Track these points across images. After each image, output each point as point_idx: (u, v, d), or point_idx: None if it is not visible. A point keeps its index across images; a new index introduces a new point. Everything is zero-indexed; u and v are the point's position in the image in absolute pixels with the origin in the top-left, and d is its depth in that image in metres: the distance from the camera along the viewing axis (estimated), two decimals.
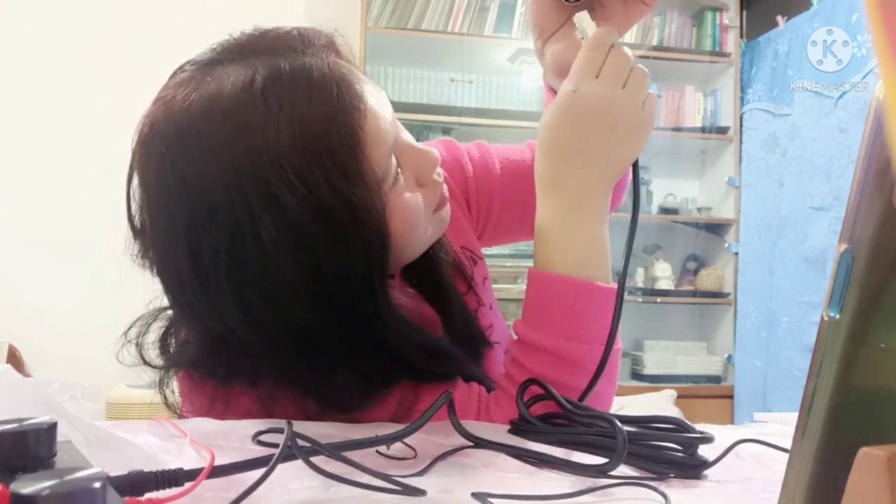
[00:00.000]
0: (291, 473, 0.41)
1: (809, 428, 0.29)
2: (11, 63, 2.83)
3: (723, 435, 0.54)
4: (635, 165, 0.67)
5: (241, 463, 0.38)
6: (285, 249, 0.52)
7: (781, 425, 0.68)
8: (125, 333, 0.61)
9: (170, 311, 0.62)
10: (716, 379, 3.19)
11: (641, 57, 3.00)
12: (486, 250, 0.86)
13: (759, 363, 2.99)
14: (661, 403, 2.85)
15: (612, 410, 0.59)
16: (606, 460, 0.47)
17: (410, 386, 0.60)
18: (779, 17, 3.00)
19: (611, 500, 0.42)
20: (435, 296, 0.70)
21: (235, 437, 0.51)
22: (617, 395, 0.68)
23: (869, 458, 0.25)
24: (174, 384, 0.64)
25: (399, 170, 0.60)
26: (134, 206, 0.57)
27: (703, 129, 3.26)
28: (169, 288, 0.57)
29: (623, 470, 0.48)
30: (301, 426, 0.49)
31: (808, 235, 2.74)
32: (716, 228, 3.30)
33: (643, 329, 3.20)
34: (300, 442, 0.41)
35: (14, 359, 2.72)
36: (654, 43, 3.19)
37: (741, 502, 0.44)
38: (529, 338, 0.63)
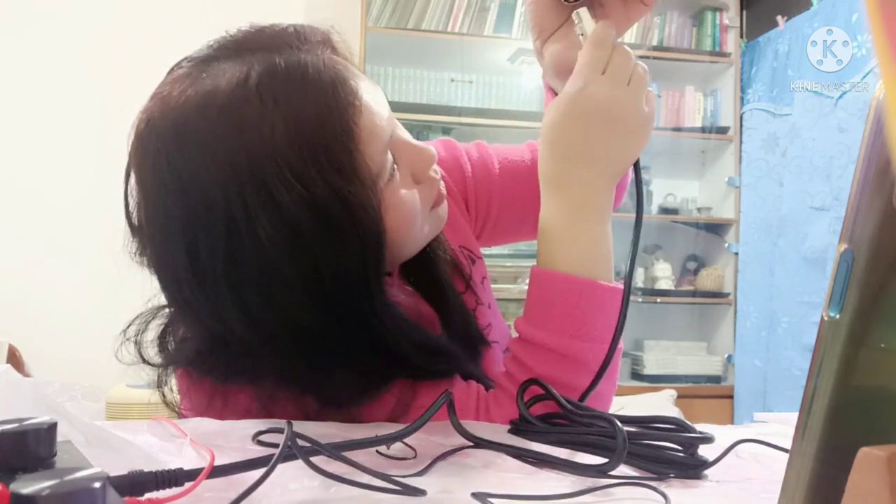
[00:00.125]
0: (291, 473, 0.41)
1: (809, 428, 0.29)
2: (11, 63, 2.83)
3: (723, 435, 0.54)
4: (637, 164, 0.67)
5: (241, 463, 0.38)
6: (282, 246, 0.52)
7: (781, 425, 0.68)
8: (124, 331, 0.61)
9: (168, 309, 0.62)
10: (716, 379, 3.19)
11: (641, 57, 2.99)
12: (485, 250, 0.86)
13: (759, 363, 2.99)
14: (661, 403, 2.85)
15: (612, 410, 0.59)
16: (606, 460, 0.47)
17: (409, 383, 0.60)
18: (779, 17, 3.00)
19: (611, 500, 0.42)
20: (433, 294, 0.70)
21: (235, 437, 0.51)
22: (617, 395, 0.68)
23: (869, 458, 0.25)
24: (173, 382, 0.63)
25: (395, 166, 0.60)
26: (132, 204, 0.57)
27: (703, 129, 3.26)
28: (166, 285, 0.57)
29: (623, 470, 0.48)
30: (301, 426, 0.49)
31: (808, 235, 2.74)
32: (716, 228, 3.30)
33: (643, 329, 3.20)
34: (300, 442, 0.41)
35: (14, 359, 2.72)
36: (654, 43, 3.19)
37: (741, 502, 0.44)
38: (531, 336, 0.63)
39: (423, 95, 3.06)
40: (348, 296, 0.55)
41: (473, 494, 0.40)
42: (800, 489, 0.29)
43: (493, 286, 0.84)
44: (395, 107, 0.66)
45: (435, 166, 0.64)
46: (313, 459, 0.40)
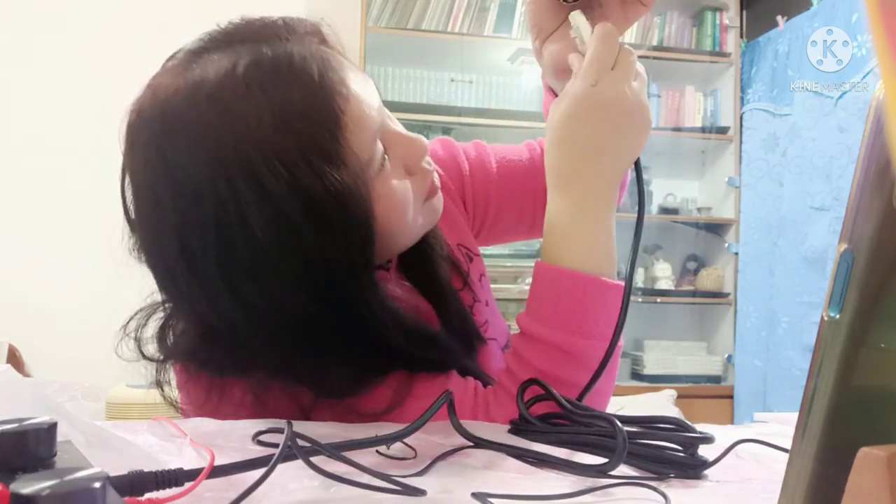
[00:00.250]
0: (291, 473, 0.41)
1: (809, 428, 0.29)
2: (11, 63, 2.83)
3: (723, 435, 0.54)
4: (637, 162, 0.67)
5: (241, 463, 0.38)
6: (271, 233, 0.52)
7: (781, 425, 0.68)
8: (124, 327, 0.62)
9: (167, 305, 0.62)
10: (716, 379, 3.19)
11: (641, 57, 2.99)
12: (485, 250, 0.86)
13: (759, 363, 2.99)
14: (661, 403, 2.85)
15: (612, 410, 0.59)
16: (606, 460, 0.47)
17: (405, 376, 0.60)
18: (779, 17, 3.00)
19: (611, 500, 0.42)
20: (430, 290, 0.70)
21: (235, 437, 0.51)
22: (617, 395, 0.68)
23: (869, 458, 0.25)
24: (173, 380, 0.64)
25: (386, 156, 0.60)
26: (129, 198, 0.58)
27: (703, 129, 3.26)
28: (160, 275, 0.57)
29: (623, 470, 0.48)
30: (301, 426, 0.49)
31: (808, 235, 2.74)
32: (716, 228, 3.30)
33: (643, 329, 3.20)
34: (300, 442, 0.41)
35: (14, 359, 2.72)
36: (654, 43, 3.19)
37: (741, 502, 0.44)
38: (533, 331, 0.63)
39: (423, 95, 3.06)
40: (339, 284, 0.56)
41: (473, 494, 0.40)
42: (800, 489, 0.29)
43: (493, 286, 0.84)
44: (395, 107, 0.67)
45: (428, 158, 0.64)
46: (313, 459, 0.40)
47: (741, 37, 3.21)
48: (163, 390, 0.63)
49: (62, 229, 2.75)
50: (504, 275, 3.01)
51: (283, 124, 0.52)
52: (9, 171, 2.79)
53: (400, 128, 0.63)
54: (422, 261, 0.70)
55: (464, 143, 0.86)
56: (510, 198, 0.84)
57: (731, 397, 3.12)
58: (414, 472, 0.45)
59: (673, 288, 3.23)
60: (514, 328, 0.68)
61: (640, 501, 0.42)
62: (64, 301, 2.73)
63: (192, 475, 0.35)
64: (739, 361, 3.10)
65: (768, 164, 3.03)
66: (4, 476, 0.26)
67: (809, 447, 0.29)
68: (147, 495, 0.33)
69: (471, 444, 0.51)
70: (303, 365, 0.57)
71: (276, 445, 0.41)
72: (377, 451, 0.49)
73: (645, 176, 3.28)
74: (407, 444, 0.50)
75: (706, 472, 0.49)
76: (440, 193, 0.67)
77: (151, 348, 0.62)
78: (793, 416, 0.32)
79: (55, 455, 0.29)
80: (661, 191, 3.31)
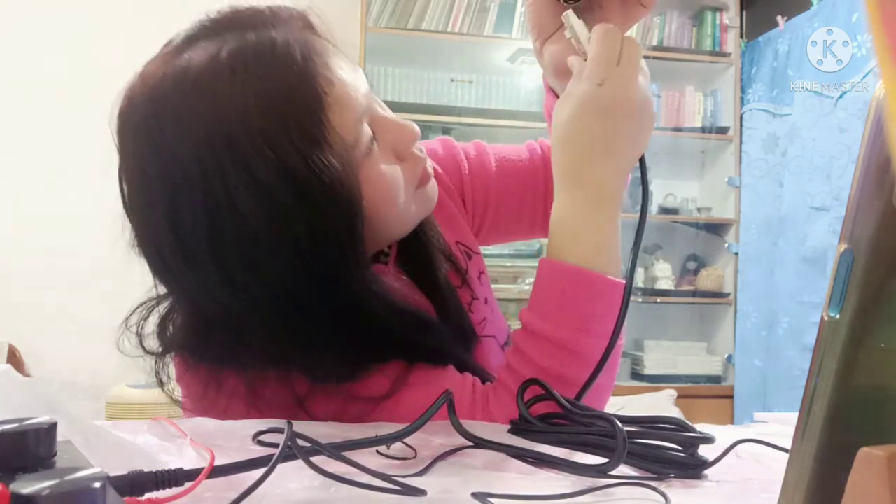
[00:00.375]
0: (291, 473, 0.41)
1: (809, 428, 0.29)
2: (9, 63, 2.83)
3: (723, 435, 0.54)
4: (642, 158, 0.67)
5: (241, 463, 0.38)
6: (259, 213, 0.53)
7: (781, 425, 0.68)
8: (126, 320, 0.62)
9: (167, 301, 0.63)
10: (716, 379, 3.19)
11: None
12: (485, 250, 0.86)
13: (759, 363, 2.99)
14: (661, 403, 2.85)
15: (612, 410, 0.59)
16: (606, 460, 0.47)
17: (403, 366, 0.61)
18: (779, 17, 3.00)
19: (611, 500, 0.42)
20: (427, 284, 0.70)
21: (235, 437, 0.51)
22: (617, 395, 0.68)
23: (869, 458, 0.25)
24: (172, 372, 0.64)
25: (374, 141, 0.60)
26: (126, 191, 0.59)
27: (703, 129, 3.26)
28: (151, 259, 0.58)
29: (623, 470, 0.48)
30: (301, 426, 0.49)
31: (808, 235, 2.74)
32: (716, 228, 3.30)
33: (643, 329, 3.20)
34: (300, 442, 0.41)
35: (14, 359, 2.72)
36: (654, 43, 3.19)
37: (741, 502, 0.44)
38: (537, 327, 0.62)
39: (423, 95, 3.06)
40: (329, 265, 0.56)
41: (473, 494, 0.40)
42: (800, 489, 0.29)
43: (493, 286, 0.84)
44: (395, 107, 0.67)
45: (421, 146, 0.65)
46: (313, 459, 0.40)
47: (741, 37, 3.21)
48: (162, 383, 0.63)
49: (62, 229, 2.75)
50: (504, 275, 3.01)
51: (266, 106, 0.53)
52: (8, 170, 2.79)
53: (389, 113, 0.64)
54: (419, 254, 0.71)
55: (464, 143, 0.86)
56: (509, 196, 0.84)
57: (731, 397, 3.12)
58: (414, 472, 0.45)
59: (673, 288, 3.23)
60: (515, 327, 0.67)
61: (640, 501, 0.42)
62: (64, 301, 2.73)
63: (192, 475, 0.35)
64: (739, 361, 3.10)
65: (768, 164, 3.03)
66: (4, 476, 0.26)
67: (809, 447, 0.29)
68: (147, 495, 0.33)
69: (471, 444, 0.51)
70: (297, 349, 0.58)
71: (276, 445, 0.41)
72: (377, 451, 0.49)
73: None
74: (407, 444, 0.50)
75: (706, 472, 0.49)
76: (434, 181, 0.67)
77: (152, 343, 0.62)
78: (793, 416, 0.32)
79: (55, 455, 0.29)
80: (661, 191, 3.31)
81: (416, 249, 0.70)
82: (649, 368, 3.12)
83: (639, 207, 0.67)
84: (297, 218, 0.54)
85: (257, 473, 0.37)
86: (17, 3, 2.85)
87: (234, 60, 0.54)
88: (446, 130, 3.03)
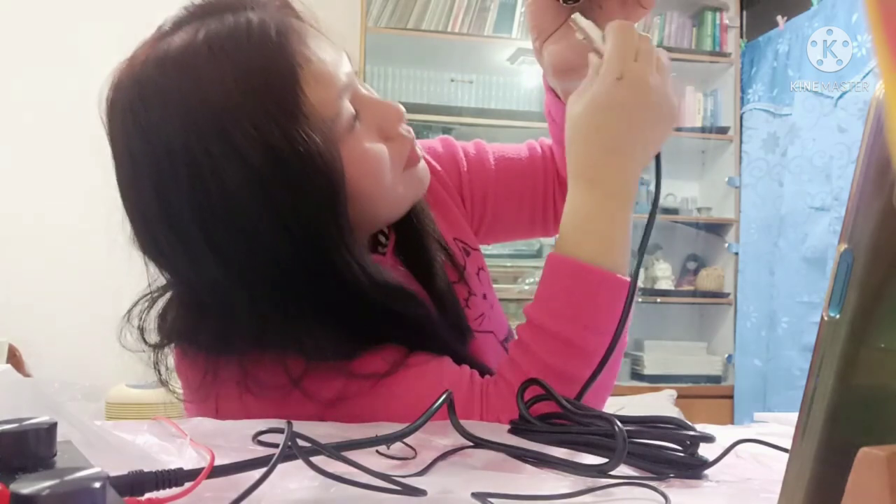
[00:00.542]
0: (291, 473, 0.41)
1: (809, 428, 0.29)
2: (10, 62, 2.83)
3: (723, 435, 0.54)
4: (658, 156, 0.67)
5: (241, 463, 0.38)
6: (243, 186, 0.55)
7: (781, 425, 0.68)
8: (128, 313, 0.63)
9: (168, 292, 0.64)
10: (716, 379, 3.19)
11: None
12: (486, 250, 0.86)
13: (759, 363, 2.99)
14: (661, 403, 2.85)
15: (612, 410, 0.59)
16: (606, 460, 0.47)
17: (401, 351, 0.62)
18: (779, 17, 3.00)
19: (611, 500, 0.42)
20: (423, 274, 0.71)
21: (235, 437, 0.51)
22: (617, 395, 0.68)
23: (869, 458, 0.25)
24: (170, 361, 0.65)
25: (358, 120, 0.61)
26: (116, 174, 0.60)
27: (703, 129, 3.26)
28: (142, 239, 0.60)
29: (623, 470, 0.48)
30: (301, 426, 0.49)
31: (808, 235, 2.74)
32: (716, 228, 3.30)
33: (643, 329, 3.20)
34: (300, 442, 0.41)
35: (14, 359, 2.72)
36: (654, 43, 3.18)
37: (741, 502, 0.44)
38: (543, 322, 0.62)
39: (423, 95, 3.07)
40: (312, 238, 0.57)
41: (473, 494, 0.40)
42: (800, 489, 0.29)
43: (493, 286, 0.84)
44: None
45: (408, 127, 0.66)
46: (313, 459, 0.40)
47: (741, 37, 3.21)
48: (160, 374, 0.64)
49: (62, 229, 2.75)
50: (504, 275, 3.01)
51: (243, 81, 0.55)
52: (8, 170, 2.79)
53: (375, 95, 0.65)
54: (415, 243, 0.71)
55: (464, 142, 0.87)
56: (509, 194, 0.84)
57: (731, 397, 3.12)
58: (414, 472, 0.45)
59: (673, 288, 3.23)
60: (515, 326, 0.67)
61: (640, 501, 0.42)
62: (64, 301, 2.73)
63: (192, 475, 0.35)
64: (739, 361, 3.10)
65: (768, 164, 3.03)
66: (4, 476, 0.26)
67: (809, 447, 0.29)
68: (147, 495, 0.33)
69: (471, 444, 0.51)
70: (288, 325, 0.58)
71: (276, 445, 0.41)
72: (377, 451, 0.49)
73: (645, 175, 3.29)
74: (407, 444, 0.50)
75: (706, 472, 0.49)
76: (424, 164, 0.68)
77: (153, 337, 0.63)
78: (793, 416, 0.32)
79: (55, 455, 0.29)
80: (662, 191, 3.30)
81: (412, 238, 0.71)
82: (649, 368, 3.12)
83: (648, 206, 0.67)
84: (279, 190, 0.56)
85: (257, 473, 0.37)
86: (20, 3, 2.85)
87: (211, 40, 0.56)
88: (446, 130, 3.03)
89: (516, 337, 0.65)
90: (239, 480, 0.37)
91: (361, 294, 0.59)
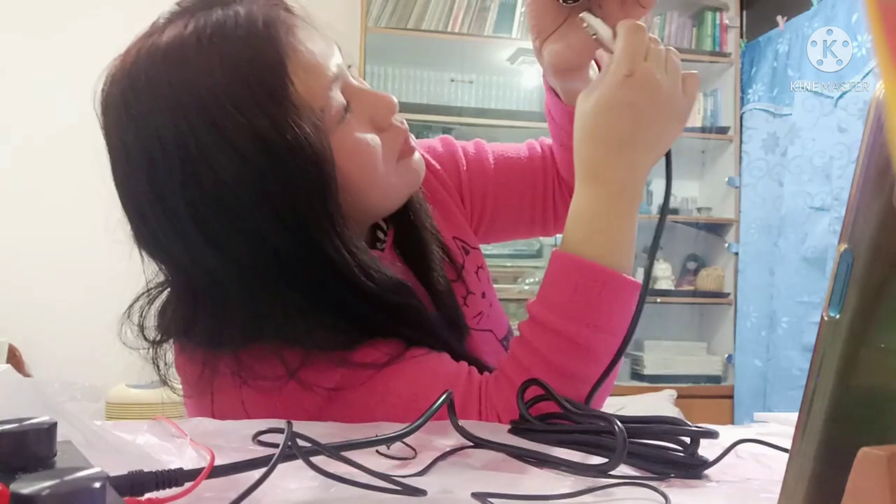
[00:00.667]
0: (291, 473, 0.41)
1: (809, 428, 0.29)
2: (9, 61, 2.83)
3: (723, 435, 0.54)
4: (668, 154, 0.66)
5: (241, 463, 0.38)
6: (232, 172, 0.56)
7: (781, 425, 0.68)
8: (128, 309, 0.63)
9: (167, 288, 0.64)
10: (716, 379, 3.19)
11: None
12: (486, 251, 0.86)
13: (759, 363, 2.99)
14: (661, 403, 2.85)
15: (612, 410, 0.59)
16: (606, 460, 0.47)
17: (399, 345, 0.62)
18: (779, 17, 3.00)
19: (611, 500, 0.42)
20: (421, 270, 0.71)
21: (235, 437, 0.51)
22: (617, 395, 0.68)
23: (869, 458, 0.25)
24: (169, 357, 0.65)
25: (349, 110, 0.62)
26: (111, 166, 0.61)
27: (703, 129, 3.26)
28: (136, 228, 0.60)
29: (623, 470, 0.48)
30: (301, 426, 0.49)
31: (808, 235, 2.74)
32: (716, 228, 3.30)
33: (643, 329, 3.19)
34: (300, 442, 0.41)
35: (14, 359, 2.72)
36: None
37: (741, 502, 0.44)
38: (546, 319, 0.62)
39: (423, 95, 3.07)
40: (303, 225, 0.58)
41: (473, 494, 0.40)
42: (800, 489, 0.29)
43: (493, 286, 0.84)
44: None
45: (402, 118, 0.66)
46: (313, 459, 0.40)
47: (741, 37, 3.21)
48: (159, 369, 0.64)
49: (62, 229, 2.75)
50: (504, 275, 3.01)
51: (231, 70, 0.56)
52: (8, 170, 2.79)
53: (367, 87, 0.65)
54: (412, 239, 0.72)
55: (463, 142, 0.87)
56: (508, 194, 0.85)
57: (731, 397, 3.12)
58: (414, 472, 0.45)
59: (673, 288, 3.23)
60: (515, 326, 0.67)
61: (640, 501, 0.42)
62: (64, 301, 2.73)
63: (192, 475, 0.35)
64: (739, 361, 3.10)
65: (768, 164, 3.03)
66: (4, 476, 0.26)
67: (809, 447, 0.29)
68: (147, 495, 0.33)
69: (471, 444, 0.51)
70: (283, 314, 0.59)
71: (276, 445, 0.41)
72: (377, 451, 0.49)
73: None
74: (407, 444, 0.50)
75: (706, 472, 0.49)
76: (419, 155, 0.68)
77: (153, 334, 0.64)
78: (793, 416, 0.32)
79: (55, 455, 0.29)
80: (661, 191, 3.30)
81: (410, 233, 0.71)
82: (649, 368, 3.12)
83: (650, 208, 0.67)
84: (269, 178, 0.56)
85: (257, 473, 0.37)
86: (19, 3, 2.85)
87: (200, 32, 0.57)
88: (446, 130, 3.03)
89: (517, 334, 0.65)
90: (239, 480, 0.37)
91: (355, 284, 0.59)
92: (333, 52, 0.62)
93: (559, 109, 0.77)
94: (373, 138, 0.63)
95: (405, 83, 3.06)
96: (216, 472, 0.37)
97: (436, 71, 3.08)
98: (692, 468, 0.49)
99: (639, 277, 0.64)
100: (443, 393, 0.53)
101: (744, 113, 3.16)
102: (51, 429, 0.29)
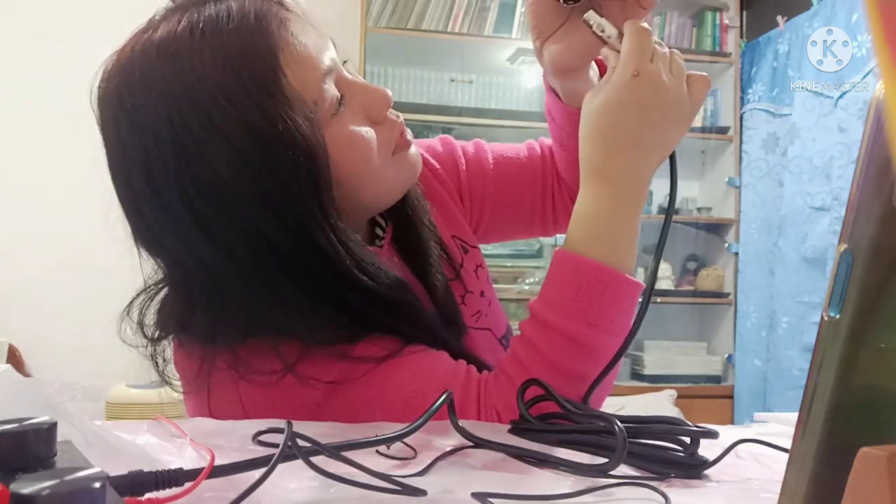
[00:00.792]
0: (291, 473, 0.41)
1: (809, 428, 0.29)
2: (9, 61, 2.83)
3: (723, 435, 0.54)
4: (672, 156, 0.66)
5: (241, 463, 0.38)
6: (226, 164, 0.56)
7: (781, 425, 0.68)
8: (128, 305, 0.64)
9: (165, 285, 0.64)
10: (716, 379, 3.19)
11: None
12: (485, 251, 0.86)
13: (759, 363, 2.99)
14: (661, 403, 2.85)
15: (612, 410, 0.59)
16: (606, 460, 0.47)
17: (397, 341, 0.62)
18: (779, 17, 3.00)
19: (611, 500, 0.42)
20: (419, 266, 0.71)
21: (235, 437, 0.51)
22: (617, 395, 0.68)
23: (869, 458, 0.25)
24: (168, 354, 0.65)
25: (343, 104, 0.62)
26: (108, 161, 0.61)
27: (703, 129, 3.26)
28: (132, 220, 0.60)
29: (623, 470, 0.48)
30: (301, 426, 0.49)
31: (808, 235, 2.74)
32: (716, 228, 3.30)
33: (643, 329, 3.14)
34: (300, 442, 0.41)
35: (14, 359, 2.72)
36: None
37: (741, 502, 0.44)
38: (548, 318, 0.62)
39: (423, 95, 3.06)
40: (297, 217, 0.58)
41: (473, 494, 0.40)
42: (800, 489, 0.29)
43: (493, 285, 0.84)
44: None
45: (397, 112, 0.66)
46: (313, 459, 0.40)
47: (741, 37, 3.21)
48: (157, 366, 0.65)
49: (62, 229, 2.75)
50: (504, 275, 3.01)
51: (223, 62, 0.56)
52: (8, 170, 2.79)
53: (361, 80, 0.65)
54: (410, 235, 0.72)
55: (463, 142, 0.87)
56: (507, 193, 0.85)
57: (731, 397, 3.12)
58: (414, 472, 0.45)
59: (673, 288, 3.23)
60: (514, 325, 0.67)
61: (640, 501, 0.42)
62: (64, 301, 2.73)
63: (192, 475, 0.35)
64: (739, 361, 3.10)
65: (768, 164, 3.03)
66: (4, 476, 0.26)
67: (809, 447, 0.29)
68: (147, 495, 0.33)
69: (471, 444, 0.51)
70: (279, 307, 0.59)
71: (276, 445, 0.41)
72: (377, 451, 0.49)
73: None
74: (407, 444, 0.50)
75: (706, 472, 0.49)
76: (415, 149, 0.68)
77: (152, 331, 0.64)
78: (793, 416, 0.32)
79: (55, 455, 0.29)
80: (661, 191, 3.30)
81: (408, 230, 0.71)
82: (649, 368, 3.12)
83: (650, 208, 0.68)
84: (262, 170, 0.57)
85: (257, 473, 0.37)
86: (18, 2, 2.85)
87: (192, 26, 0.57)
88: (446, 130, 3.03)
89: (518, 333, 0.65)
90: (239, 480, 0.37)
91: (350, 278, 0.59)
92: (327, 45, 0.62)
93: (559, 110, 0.77)
94: (367, 131, 0.63)
95: (405, 83, 3.06)
96: (216, 472, 0.37)
97: (436, 71, 3.08)
98: (692, 468, 0.49)
99: (638, 278, 0.64)
100: (443, 392, 0.53)
101: (744, 113, 3.17)
102: (51, 429, 0.29)
